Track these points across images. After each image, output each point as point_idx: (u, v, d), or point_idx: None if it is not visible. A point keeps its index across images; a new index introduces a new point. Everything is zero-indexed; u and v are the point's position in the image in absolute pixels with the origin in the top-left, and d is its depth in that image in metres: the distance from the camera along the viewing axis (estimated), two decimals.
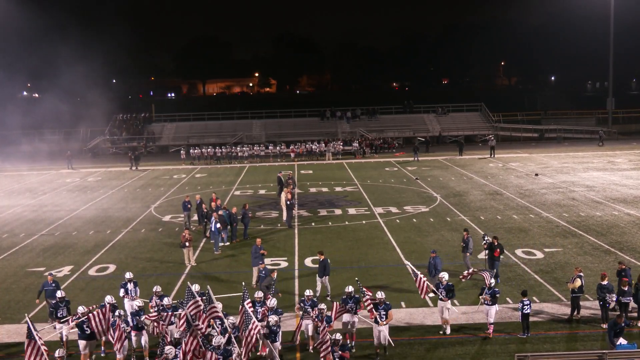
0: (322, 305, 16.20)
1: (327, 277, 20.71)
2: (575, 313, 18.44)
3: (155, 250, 27.21)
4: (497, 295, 17.55)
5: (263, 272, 19.95)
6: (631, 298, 17.77)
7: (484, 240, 21.91)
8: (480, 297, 17.72)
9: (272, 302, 16.62)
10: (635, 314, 18.13)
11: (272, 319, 15.66)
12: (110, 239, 29.52)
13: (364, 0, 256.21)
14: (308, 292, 17.27)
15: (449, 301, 17.67)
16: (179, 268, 24.50)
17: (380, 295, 16.54)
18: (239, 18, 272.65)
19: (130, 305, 17.55)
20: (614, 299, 17.68)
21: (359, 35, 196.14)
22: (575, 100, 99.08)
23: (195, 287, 17.52)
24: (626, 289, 17.71)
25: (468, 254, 22.36)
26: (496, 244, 21.53)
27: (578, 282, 18.16)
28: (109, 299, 16.94)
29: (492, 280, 17.86)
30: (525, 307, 17.12)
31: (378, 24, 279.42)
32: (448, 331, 17.61)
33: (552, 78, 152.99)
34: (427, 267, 20.91)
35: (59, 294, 17.58)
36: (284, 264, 24.52)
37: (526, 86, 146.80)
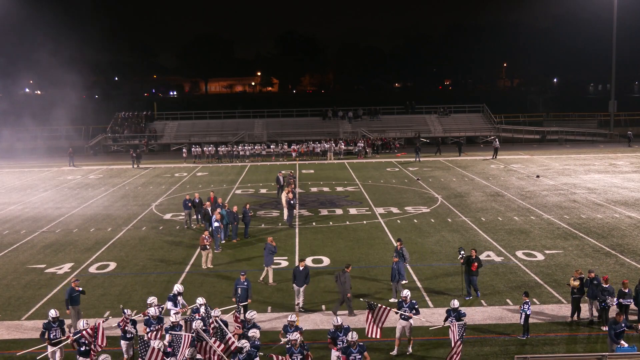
0: (295, 335, 14.27)
1: (306, 285, 19.83)
2: (576, 315, 18.44)
3: (155, 249, 27.22)
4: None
5: (245, 283, 18.63)
6: (631, 300, 17.77)
7: (460, 254, 20.51)
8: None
9: (252, 313, 15.54)
10: (636, 317, 18.14)
11: (255, 332, 14.64)
12: (111, 236, 29.53)
13: (367, 0, 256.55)
14: (292, 318, 15.27)
15: (411, 320, 16.53)
16: (179, 266, 24.51)
17: (352, 337, 14.20)
18: (242, 17, 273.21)
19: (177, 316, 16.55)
20: (615, 302, 17.67)
21: (362, 35, 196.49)
22: (577, 102, 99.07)
23: (200, 301, 16.59)
24: (627, 290, 17.71)
25: (405, 263, 21.44)
26: (474, 256, 20.32)
27: (578, 281, 18.19)
28: (153, 311, 16.02)
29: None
30: (528, 308, 17.07)
31: (381, 24, 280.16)
32: (410, 350, 16.50)
33: (555, 80, 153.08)
34: (391, 273, 20.32)
35: (52, 312, 15.91)
36: (284, 264, 24.51)
37: (528, 88, 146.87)
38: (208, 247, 24.05)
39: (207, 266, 24.04)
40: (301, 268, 19.80)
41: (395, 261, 20.19)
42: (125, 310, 16.11)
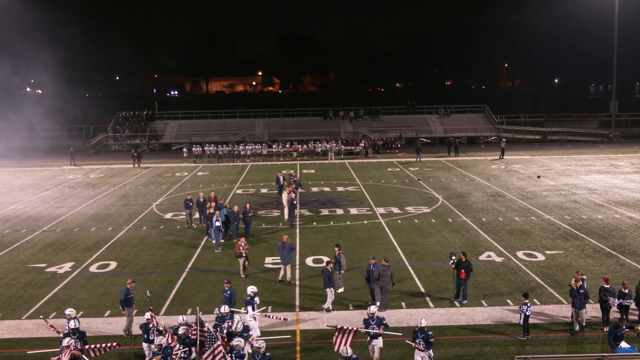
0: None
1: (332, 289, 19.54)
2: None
3: (156, 248, 27.23)
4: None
5: (228, 292, 18.06)
6: (632, 301, 17.76)
7: (451, 259, 20.21)
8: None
9: (238, 325, 15.02)
10: (636, 317, 18.15)
11: (239, 342, 14.21)
12: (111, 236, 29.54)
13: (368, 0, 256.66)
14: (259, 344, 14.02)
15: (380, 338, 15.58)
16: (179, 266, 24.52)
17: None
18: (243, 16, 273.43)
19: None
20: (616, 302, 17.66)
21: (364, 35, 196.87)
22: (578, 102, 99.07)
23: (225, 309, 16.10)
24: (627, 291, 17.70)
25: (341, 271, 21.03)
26: (464, 260, 19.87)
27: (580, 282, 18.13)
28: (225, 308, 15.71)
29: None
30: (527, 309, 17.07)
31: (383, 24, 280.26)
32: None
33: (556, 80, 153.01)
34: (367, 275, 19.81)
35: (72, 323, 15.12)
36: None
37: (530, 88, 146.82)
38: (244, 254, 22.89)
39: (243, 274, 22.96)
40: (329, 268, 19.59)
41: (372, 263, 19.71)
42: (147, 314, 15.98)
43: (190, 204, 30.68)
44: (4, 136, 64.62)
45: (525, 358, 14.46)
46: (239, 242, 23.05)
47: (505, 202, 35.69)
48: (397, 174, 47.58)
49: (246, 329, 15.44)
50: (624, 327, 15.51)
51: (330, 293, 19.36)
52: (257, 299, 17.36)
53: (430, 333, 14.98)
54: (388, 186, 42.16)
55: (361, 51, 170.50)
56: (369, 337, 15.59)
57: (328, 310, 19.35)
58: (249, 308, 17.14)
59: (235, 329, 14.98)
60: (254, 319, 17.14)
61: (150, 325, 15.75)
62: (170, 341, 14.91)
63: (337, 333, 15.39)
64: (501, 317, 18.83)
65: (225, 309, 16.12)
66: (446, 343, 17.15)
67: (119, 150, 68.28)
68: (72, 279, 23.13)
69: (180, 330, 14.99)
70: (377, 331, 15.44)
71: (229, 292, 18.09)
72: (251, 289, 17.46)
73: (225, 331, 15.25)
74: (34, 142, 68.19)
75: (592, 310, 18.77)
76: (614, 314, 17.89)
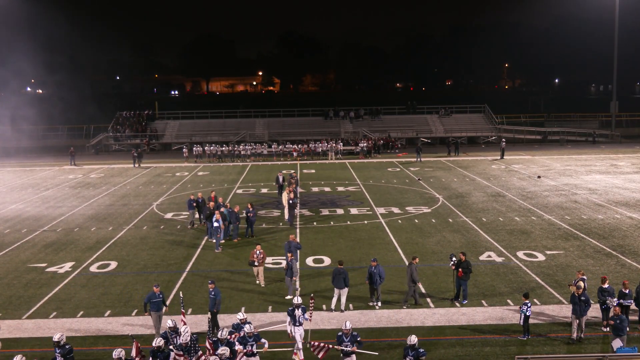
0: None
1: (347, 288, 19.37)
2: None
3: (156, 248, 27.23)
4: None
5: (212, 293, 17.79)
6: (632, 301, 17.77)
7: (452, 260, 20.20)
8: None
9: (223, 332, 14.84)
10: (637, 317, 18.15)
11: (225, 351, 14.00)
12: (112, 235, 29.55)
13: (369, 0, 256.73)
14: (220, 352, 13.90)
15: (354, 355, 15.08)
16: (180, 266, 24.52)
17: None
18: (243, 16, 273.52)
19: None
20: (615, 302, 17.65)
21: (364, 34, 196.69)
22: (578, 103, 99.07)
23: (241, 316, 15.69)
24: (627, 291, 17.71)
25: (293, 278, 20.90)
26: (464, 260, 19.88)
27: (580, 284, 18.12)
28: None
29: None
30: (527, 309, 17.08)
31: (383, 24, 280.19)
32: None
33: (556, 81, 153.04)
34: (369, 277, 19.62)
35: (56, 336, 14.24)
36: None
37: (530, 88, 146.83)
38: (257, 263, 21.92)
39: (261, 284, 22.10)
40: (340, 268, 19.38)
41: (374, 265, 19.57)
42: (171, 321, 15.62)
43: (194, 204, 30.67)
44: (4, 136, 64.69)
45: (525, 358, 14.48)
46: (254, 251, 22.15)
47: (506, 202, 35.69)
48: (398, 174, 47.58)
49: (257, 337, 15.20)
50: (616, 317, 15.55)
51: (340, 294, 19.30)
52: (297, 312, 16.50)
53: (422, 351, 14.19)
54: (388, 186, 42.16)
55: (361, 51, 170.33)
56: (342, 354, 15.16)
57: (330, 310, 19.40)
58: (288, 318, 16.75)
59: (221, 336, 14.76)
60: (300, 325, 16.59)
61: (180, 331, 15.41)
62: (134, 355, 14.34)
63: (312, 349, 15.36)
64: (501, 317, 18.84)
65: (241, 315, 15.75)
66: (446, 343, 17.16)
67: (120, 150, 68.27)
68: (73, 279, 23.14)
69: (155, 343, 14.54)
70: (350, 349, 14.97)
71: (213, 293, 17.85)
72: (295, 301, 16.84)
73: (214, 339, 14.98)
74: (34, 142, 68.13)
75: (591, 310, 18.72)
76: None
